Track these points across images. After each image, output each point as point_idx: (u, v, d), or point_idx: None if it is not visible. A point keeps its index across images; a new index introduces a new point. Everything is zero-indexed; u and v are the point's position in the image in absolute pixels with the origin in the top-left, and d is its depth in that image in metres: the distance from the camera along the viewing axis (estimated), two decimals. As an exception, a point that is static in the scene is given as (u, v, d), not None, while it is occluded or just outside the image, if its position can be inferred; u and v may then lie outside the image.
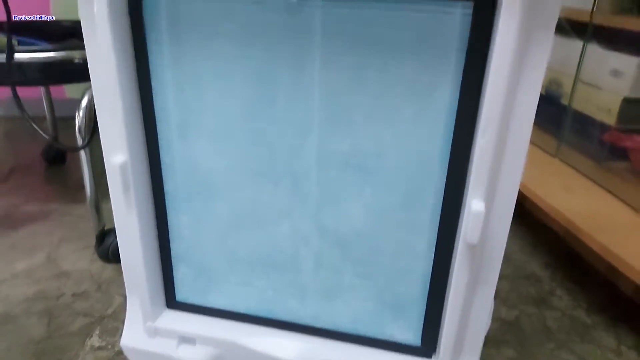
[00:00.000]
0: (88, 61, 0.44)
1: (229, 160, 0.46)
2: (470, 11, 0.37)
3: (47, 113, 1.13)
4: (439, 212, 0.44)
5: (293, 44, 0.41)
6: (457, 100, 0.39)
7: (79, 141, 0.71)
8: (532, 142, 0.99)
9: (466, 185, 0.41)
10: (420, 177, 0.43)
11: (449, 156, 0.41)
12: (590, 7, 0.86)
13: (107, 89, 0.43)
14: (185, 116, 0.46)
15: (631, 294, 0.73)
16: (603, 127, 0.84)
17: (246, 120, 0.44)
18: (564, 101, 0.93)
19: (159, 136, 0.47)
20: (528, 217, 0.97)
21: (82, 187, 1.03)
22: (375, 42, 0.39)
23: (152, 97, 0.45)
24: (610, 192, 0.78)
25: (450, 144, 0.41)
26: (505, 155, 0.39)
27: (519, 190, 0.82)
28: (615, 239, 0.64)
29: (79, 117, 0.70)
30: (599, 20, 0.84)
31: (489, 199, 0.40)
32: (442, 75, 0.39)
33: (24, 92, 0.72)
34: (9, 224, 0.88)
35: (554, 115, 0.95)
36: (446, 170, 0.42)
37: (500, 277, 0.78)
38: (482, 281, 0.44)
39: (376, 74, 0.40)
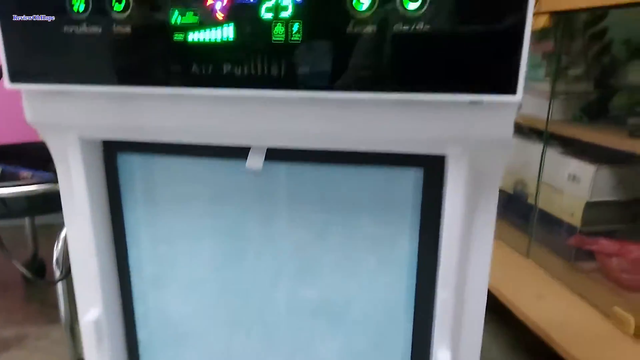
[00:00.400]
0: (65, 222, 0.46)
1: (201, 310, 0.47)
2: (421, 175, 0.40)
3: (27, 224, 1.13)
4: (410, 356, 0.44)
5: (261, 203, 0.43)
6: (417, 254, 0.42)
7: (56, 273, 0.71)
8: (504, 241, 1.02)
9: (432, 334, 0.42)
10: (387, 325, 0.44)
11: (413, 306, 0.43)
12: (546, 115, 0.93)
13: (83, 248, 0.45)
14: (158, 268, 0.47)
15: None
16: (569, 228, 0.87)
17: (218, 271, 0.46)
18: (531, 201, 0.97)
19: (133, 288, 0.48)
20: (506, 317, 0.97)
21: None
22: (337, 201, 0.42)
23: (126, 251, 0.47)
24: (581, 296, 0.80)
25: (414, 294, 0.42)
26: (466, 306, 0.41)
27: (499, 297, 0.83)
28: (590, 352, 0.64)
29: (57, 249, 0.71)
30: (554, 128, 0.91)
31: (455, 348, 0.41)
32: (400, 231, 0.42)
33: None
34: (-19, 351, 0.85)
35: (523, 214, 0.99)
36: (412, 319, 0.43)
37: (484, 391, 0.77)
38: None
39: (339, 229, 0.43)
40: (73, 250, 0.47)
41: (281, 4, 0.33)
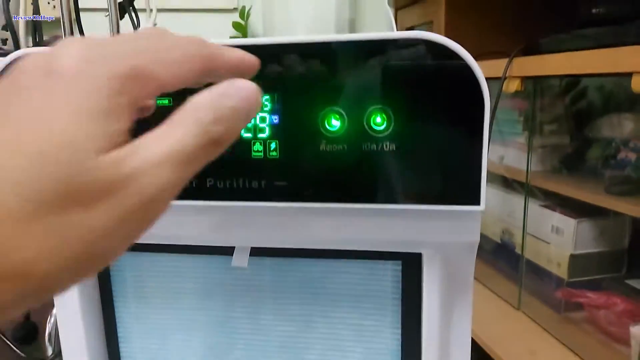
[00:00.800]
0: (57, 317, 0.47)
1: (192, 402, 0.48)
2: (399, 267, 0.42)
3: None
4: None
5: (248, 296, 0.45)
6: (400, 342, 0.43)
7: (48, 350, 0.71)
8: (494, 291, 1.03)
9: (418, 422, 0.43)
10: (375, 413, 0.45)
11: (399, 394, 0.44)
12: (524, 167, 0.96)
13: (74, 345, 0.46)
14: (149, 361, 0.48)
15: None
16: (557, 279, 0.89)
17: (208, 363, 0.47)
18: (518, 251, 0.99)
19: (125, 381, 0.49)
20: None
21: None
22: (320, 293, 0.44)
23: (118, 346, 0.48)
24: (573, 351, 0.80)
25: (399, 383, 0.44)
26: (450, 394, 0.42)
27: (491, 354, 0.83)
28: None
29: (50, 323, 0.71)
30: (534, 181, 0.94)
31: None
32: (382, 321, 0.43)
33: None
34: None
35: (512, 263, 1.01)
36: (398, 408, 0.44)
37: None
38: None
39: (324, 320, 0.44)
40: (65, 345, 0.47)
41: (259, 125, 0.36)
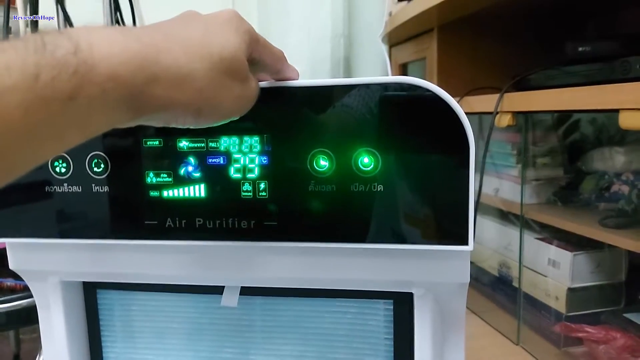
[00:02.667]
0: (43, 354, 0.47)
1: None
2: (391, 306, 0.42)
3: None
4: None
5: (238, 336, 0.44)
6: (392, 384, 0.42)
7: (37, 390, 0.69)
8: (494, 326, 1.01)
9: None
10: None
11: None
12: (518, 199, 0.97)
13: (61, 387, 0.45)
14: (137, 404, 0.47)
15: None
16: (556, 313, 0.88)
17: (197, 405, 0.46)
18: (515, 284, 0.98)
19: None
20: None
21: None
22: (311, 333, 0.43)
23: (105, 388, 0.47)
24: (573, 389, 0.79)
25: None
26: None
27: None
28: None
29: (41, 357, 0.70)
30: (529, 213, 0.94)
31: None
32: (375, 361, 0.42)
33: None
34: None
35: (510, 297, 1.00)
36: None
37: None
38: None
39: (316, 359, 0.43)
40: (51, 389, 0.46)
41: (248, 166, 0.36)
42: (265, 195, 0.36)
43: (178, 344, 0.45)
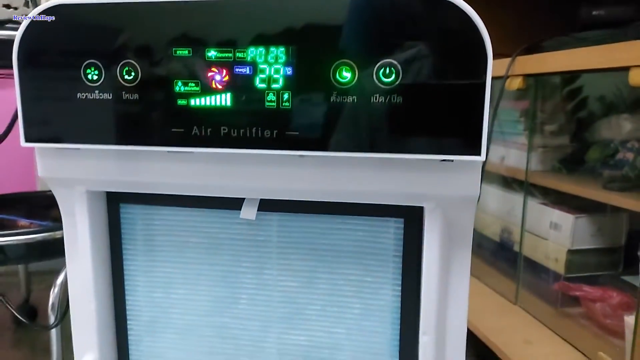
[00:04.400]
0: (67, 269, 0.49)
1: (195, 354, 0.49)
2: (401, 225, 0.44)
3: (20, 270, 1.14)
4: (395, 401, 0.46)
5: (254, 252, 0.47)
6: (400, 299, 0.44)
7: (51, 318, 0.72)
8: (493, 288, 1.04)
9: (415, 378, 0.44)
10: (372, 369, 0.46)
11: (398, 349, 0.45)
12: (524, 166, 0.98)
13: (83, 293, 0.47)
14: (155, 314, 0.49)
15: None
16: (555, 274, 0.90)
17: (212, 316, 0.48)
18: (517, 249, 1.00)
19: (129, 332, 0.50)
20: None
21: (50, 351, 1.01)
22: (324, 250, 0.45)
23: (124, 297, 0.49)
24: (568, 342, 0.81)
25: (398, 339, 0.45)
26: (446, 349, 0.43)
27: (488, 344, 0.84)
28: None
29: (54, 294, 0.73)
30: (534, 179, 0.96)
31: (437, 392, 0.43)
32: (383, 277, 0.45)
33: None
34: (-33, 401, 0.84)
35: (510, 261, 1.02)
36: (396, 362, 0.45)
37: None
38: None
39: (326, 276, 0.45)
40: (73, 295, 0.49)
41: (273, 76, 0.38)
42: (289, 106, 0.38)
43: (196, 258, 0.47)
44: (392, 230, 0.44)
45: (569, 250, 0.87)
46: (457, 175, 0.38)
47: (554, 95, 0.98)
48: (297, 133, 0.38)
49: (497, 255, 1.08)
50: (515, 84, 0.88)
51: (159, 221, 0.48)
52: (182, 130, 0.40)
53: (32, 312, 1.15)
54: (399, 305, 0.44)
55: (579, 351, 0.78)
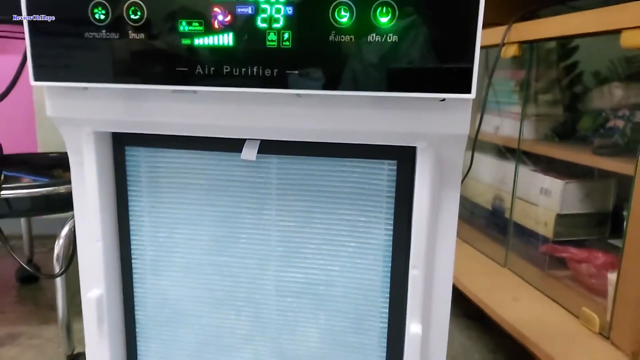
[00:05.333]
0: (74, 209, 0.51)
1: (196, 292, 0.51)
2: (394, 167, 0.46)
3: (24, 232, 1.16)
4: (386, 334, 0.49)
5: (254, 193, 0.49)
6: (391, 237, 0.47)
7: (56, 268, 0.75)
8: (483, 253, 1.07)
9: (405, 311, 0.47)
10: (366, 303, 0.48)
11: (389, 286, 0.48)
12: (517, 135, 1.01)
13: (90, 232, 0.49)
14: (158, 253, 0.51)
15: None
16: (543, 239, 0.93)
17: (213, 255, 0.51)
18: (507, 215, 1.03)
19: (134, 271, 0.52)
20: (488, 323, 1.01)
21: (54, 308, 1.03)
22: (321, 190, 0.47)
23: (129, 237, 0.52)
24: (554, 300, 0.84)
25: (389, 275, 0.47)
26: (435, 283, 0.46)
27: (477, 302, 0.88)
28: (560, 348, 0.69)
29: (58, 245, 0.75)
30: (525, 147, 0.98)
31: (425, 321, 0.46)
32: (376, 216, 0.47)
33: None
34: (-26, 350, 0.87)
35: (501, 227, 1.05)
36: (388, 298, 0.48)
37: (462, 390, 0.80)
38: (428, 399, 0.48)
39: (322, 216, 0.48)
40: (80, 234, 0.51)
41: (274, 16, 0.39)
42: (289, 45, 0.39)
43: (198, 199, 0.50)
44: (385, 172, 0.46)
45: (557, 215, 0.89)
46: (448, 114, 0.40)
47: (548, 63, 0.99)
48: (297, 72, 0.40)
49: (488, 222, 1.11)
50: (511, 51, 0.90)
51: (163, 164, 0.50)
52: (186, 69, 0.41)
53: (36, 269, 1.18)
54: (391, 243, 0.47)
55: (564, 308, 0.81)
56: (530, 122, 1.00)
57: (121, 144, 0.50)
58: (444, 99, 0.40)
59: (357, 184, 0.47)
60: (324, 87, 0.40)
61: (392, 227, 0.47)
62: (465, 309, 1.08)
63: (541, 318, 0.78)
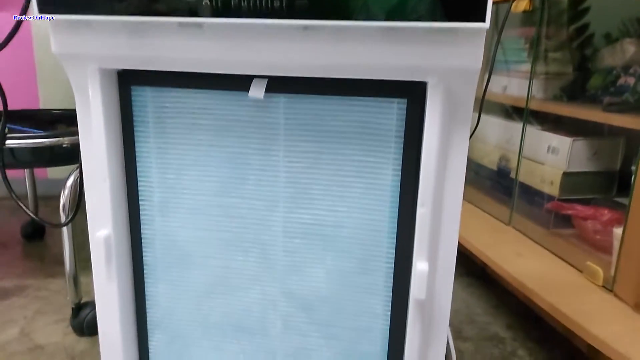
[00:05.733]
0: (81, 148, 0.51)
1: (204, 233, 0.52)
2: (404, 105, 0.45)
3: (29, 192, 1.17)
4: (392, 275, 0.49)
5: (261, 134, 0.48)
6: (400, 177, 0.47)
7: (62, 218, 0.75)
8: (488, 213, 1.07)
9: (412, 249, 0.47)
10: (373, 244, 0.49)
11: (396, 225, 0.48)
12: (526, 94, 0.99)
13: (97, 171, 0.49)
14: (166, 195, 0.51)
15: (586, 351, 0.77)
16: (549, 197, 0.93)
17: (220, 197, 0.50)
18: (512, 175, 1.03)
19: (142, 213, 0.52)
20: (491, 281, 1.03)
21: (59, 263, 1.05)
22: (329, 131, 0.47)
23: (136, 178, 0.51)
24: (557, 255, 0.85)
25: (397, 215, 0.47)
26: (442, 222, 0.46)
27: (481, 257, 0.88)
28: (563, 299, 0.70)
29: (64, 195, 0.75)
30: (534, 105, 0.97)
31: (432, 260, 0.46)
32: (385, 157, 0.47)
33: (10, 171, 0.77)
34: (-16, 302, 0.89)
35: (506, 187, 1.05)
36: (395, 237, 0.48)
37: (465, 339, 0.82)
38: (434, 336, 0.48)
39: (330, 156, 0.47)
40: (87, 174, 0.51)
41: (284, -59, 0.38)
42: (298, -28, 0.38)
43: (206, 140, 0.49)
44: (395, 112, 0.45)
45: (564, 173, 0.89)
46: (460, 47, 0.39)
47: (559, 19, 0.97)
48: (307, 2, 0.39)
49: (493, 182, 1.11)
50: (522, 5, 0.87)
51: (170, 104, 0.49)
52: (192, 0, 0.40)
53: (39, 228, 1.19)
54: (399, 183, 0.47)
55: (568, 263, 0.82)
56: (540, 81, 0.98)
57: (127, 84, 0.49)
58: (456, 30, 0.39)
59: (366, 124, 0.46)
60: (334, 18, 0.39)
61: (400, 168, 0.46)
62: (468, 268, 1.09)
63: (544, 272, 0.78)
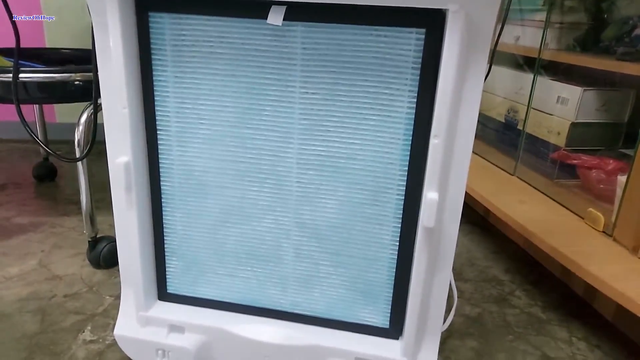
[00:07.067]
0: (100, 76, 0.51)
1: (220, 163, 0.53)
2: (423, 35, 0.45)
3: (39, 133, 1.18)
4: (402, 206, 0.51)
5: (278, 64, 0.49)
6: (414, 109, 0.47)
7: (77, 153, 0.76)
8: (493, 163, 1.08)
9: (424, 182, 0.48)
10: (385, 176, 0.50)
11: (408, 157, 0.49)
12: (539, 44, 0.98)
13: (116, 101, 0.50)
14: (183, 125, 0.52)
15: (582, 293, 0.81)
16: (555, 147, 0.94)
17: (237, 127, 0.51)
18: (520, 126, 1.03)
19: (159, 142, 0.54)
20: (491, 229, 1.05)
21: (72, 202, 1.07)
22: (346, 62, 0.47)
23: (154, 108, 0.52)
24: (559, 203, 0.87)
25: (410, 147, 0.48)
26: (454, 153, 0.47)
27: (483, 204, 0.90)
28: (563, 241, 0.72)
29: (78, 132, 0.76)
30: (546, 56, 0.96)
31: (442, 190, 0.48)
32: (400, 89, 0.47)
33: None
34: (1, 234, 0.91)
35: (513, 139, 1.05)
36: (407, 169, 0.49)
37: (465, 280, 0.85)
38: (440, 265, 0.51)
39: (346, 88, 0.48)
40: (106, 101, 0.52)
41: None
42: None
43: (223, 69, 0.50)
44: (413, 42, 0.45)
45: (572, 123, 0.89)
46: (484, -28, 0.39)
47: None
48: None
49: (500, 134, 1.11)
50: (541, -52, 0.85)
51: (187, 32, 0.49)
52: None
53: (51, 170, 1.20)
54: (413, 116, 0.47)
55: (570, 210, 0.84)
56: (554, 30, 0.97)
57: (144, 10, 0.49)
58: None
59: (383, 55, 0.46)
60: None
61: (415, 100, 0.47)
62: (469, 216, 1.11)
63: (546, 217, 0.80)
